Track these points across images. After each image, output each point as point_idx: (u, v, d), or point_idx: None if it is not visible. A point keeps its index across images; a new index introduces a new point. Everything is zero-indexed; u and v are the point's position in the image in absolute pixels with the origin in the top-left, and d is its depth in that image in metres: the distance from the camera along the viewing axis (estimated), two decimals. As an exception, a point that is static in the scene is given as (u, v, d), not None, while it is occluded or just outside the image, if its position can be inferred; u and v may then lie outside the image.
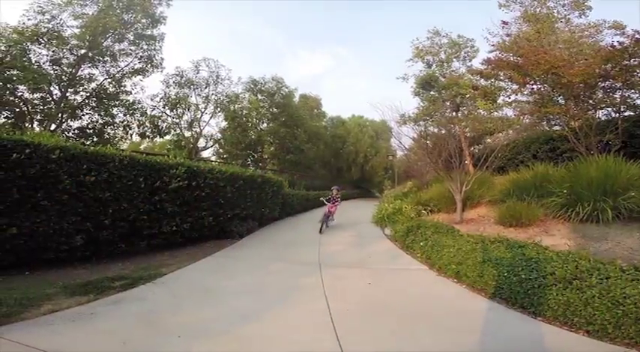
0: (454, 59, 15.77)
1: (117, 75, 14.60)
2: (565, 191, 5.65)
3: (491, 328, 3.12)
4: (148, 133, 15.75)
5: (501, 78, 12.75)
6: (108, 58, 14.06)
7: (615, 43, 9.12)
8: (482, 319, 3.31)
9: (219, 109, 19.07)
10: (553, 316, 3.23)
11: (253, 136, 20.52)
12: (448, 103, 15.30)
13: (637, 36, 8.78)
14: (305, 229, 9.67)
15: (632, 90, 9.41)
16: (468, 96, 14.45)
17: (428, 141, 12.08)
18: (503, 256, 4.29)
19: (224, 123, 19.94)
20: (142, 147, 19.46)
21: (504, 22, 12.68)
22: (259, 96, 21.31)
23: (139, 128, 15.42)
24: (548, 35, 11.20)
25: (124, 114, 14.66)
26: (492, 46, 12.62)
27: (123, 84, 14.87)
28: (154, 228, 5.74)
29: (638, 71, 8.86)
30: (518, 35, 11.94)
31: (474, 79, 14.44)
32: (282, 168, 20.64)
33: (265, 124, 21.75)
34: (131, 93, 15.26)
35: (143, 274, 4.54)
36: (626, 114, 9.05)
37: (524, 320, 3.31)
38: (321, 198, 10.22)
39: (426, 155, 10.49)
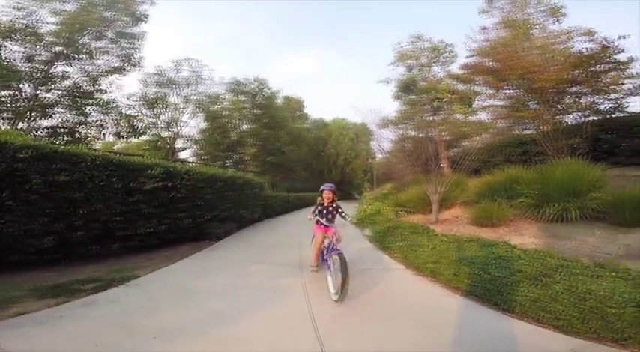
0: (434, 64, 16.16)
1: (93, 73, 14.14)
2: (534, 192, 5.92)
3: (466, 325, 3.20)
4: (123, 133, 15.25)
5: (478, 82, 13.21)
6: (84, 56, 13.61)
7: (583, 50, 9.68)
8: (458, 316, 3.41)
9: (199, 109, 18.75)
10: (523, 312, 3.34)
11: (234, 137, 20.26)
12: (427, 107, 15.61)
13: (604, 43, 9.34)
14: (285, 231, 9.62)
15: (597, 96, 10.00)
16: (445, 100, 14.81)
17: (407, 144, 12.33)
18: (475, 255, 4.45)
19: (204, 124, 19.62)
20: (116, 147, 18.78)
21: (483, 28, 13.14)
22: (241, 97, 21.08)
23: (113, 127, 14.95)
24: (523, 41, 11.60)
25: (99, 113, 14.19)
26: (471, 51, 13.03)
27: (99, 82, 14.42)
28: (128, 230, 5.59)
29: (603, 77, 9.42)
30: (496, 41, 12.35)
31: (451, 83, 14.85)
32: (263, 170, 20.47)
33: (247, 125, 21.53)
34: (107, 92, 14.81)
35: (116, 276, 4.41)
36: (591, 118, 9.59)
37: (496, 316, 3.41)
38: (310, 217, 4.83)
39: (405, 158, 10.73)
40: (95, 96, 14.22)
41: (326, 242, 4.55)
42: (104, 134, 14.79)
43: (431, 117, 15.60)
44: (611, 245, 4.98)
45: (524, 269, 3.66)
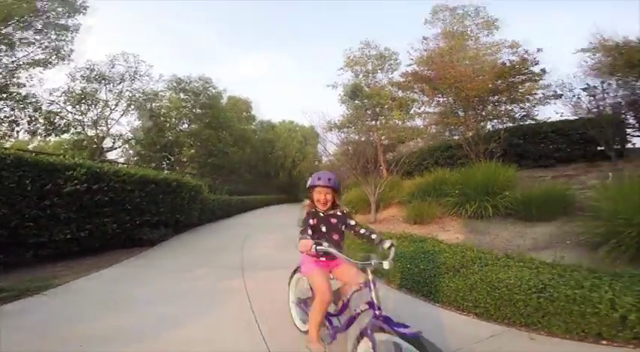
0: (379, 70, 16.66)
1: (10, 65, 12.53)
2: (457, 192, 6.52)
3: (396, 315, 3.40)
4: (40, 131, 13.64)
5: (415, 90, 14.10)
6: (3, 47, 12.00)
7: (506, 61, 10.87)
8: (396, 308, 3.58)
9: (133, 107, 17.38)
10: (447, 301, 3.60)
11: (171, 137, 19.12)
12: (369, 112, 16.23)
13: (525, 55, 10.57)
14: (226, 235, 9.34)
15: (514, 105, 11.30)
16: (386, 106, 15.51)
17: (350, 148, 12.75)
18: (406, 250, 4.75)
19: (138, 122, 18.22)
20: (30, 146, 16.59)
21: (424, 38, 14.10)
22: (182, 96, 20.00)
23: (29, 124, 13.31)
24: (459, 52, 12.59)
25: (12, 109, 12.59)
26: (411, 59, 13.83)
27: (16, 75, 12.80)
28: (42, 237, 5.00)
29: (520, 87, 10.67)
30: (434, 50, 13.27)
31: (393, 90, 15.58)
32: (203, 172, 19.63)
33: (186, 125, 20.48)
34: (25, 85, 13.21)
35: (30, 285, 3.95)
36: (507, 125, 10.82)
37: (426, 306, 3.65)
38: (299, 238, 2.23)
39: (347, 160, 11.08)
40: (10, 90, 12.63)
41: (343, 296, 2.37)
42: (17, 131, 13.15)
43: (372, 122, 16.26)
44: (520, 238, 5.63)
45: (447, 262, 3.99)
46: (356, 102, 16.66)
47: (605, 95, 9.12)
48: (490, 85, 10.21)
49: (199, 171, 19.67)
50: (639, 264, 3.88)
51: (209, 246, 7.66)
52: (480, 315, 3.29)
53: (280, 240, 8.15)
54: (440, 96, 12.10)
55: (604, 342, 2.65)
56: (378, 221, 8.57)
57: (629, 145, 9.18)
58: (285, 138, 35.03)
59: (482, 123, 11.48)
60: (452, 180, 7.07)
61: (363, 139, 13.62)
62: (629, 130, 9.22)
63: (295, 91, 77.40)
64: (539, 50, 10.45)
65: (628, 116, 9.21)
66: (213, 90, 21.39)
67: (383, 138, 15.74)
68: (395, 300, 3.86)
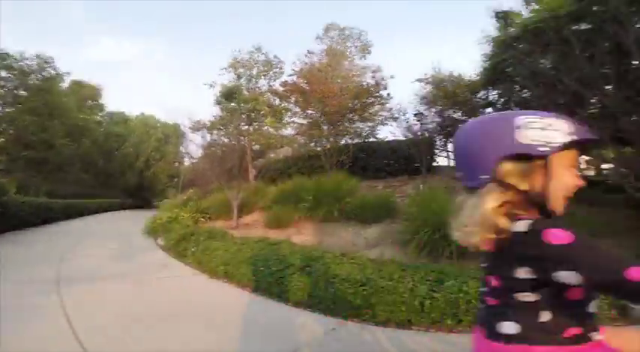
0: (263, 76, 16.70)
1: None
2: (310, 198, 7.24)
3: (253, 317, 3.53)
4: None
5: (291, 100, 14.71)
6: None
7: (364, 83, 12.52)
8: (247, 311, 3.71)
9: None
10: (297, 300, 3.87)
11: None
12: (244, 116, 16.16)
13: (380, 80, 12.33)
14: (40, 243, 7.64)
15: (364, 123, 13.12)
16: (262, 112, 15.73)
17: (217, 150, 12.30)
18: (260, 253, 4.97)
19: None
20: None
21: (310, 52, 14.82)
22: (3, 73, 15.42)
23: None
24: (334, 70, 13.63)
25: None
26: (293, 70, 14.35)
27: None
28: None
29: (370, 108, 12.43)
30: (314, 65, 14.04)
31: (271, 97, 15.87)
32: (13, 168, 15.47)
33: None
34: None
35: None
36: (355, 141, 12.51)
37: (279, 307, 3.86)
38: None
39: (212, 164, 10.68)
40: None
41: None
42: None
43: (246, 127, 16.22)
44: (357, 238, 6.65)
45: (295, 263, 4.37)
46: (232, 104, 16.36)
47: (427, 121, 11.71)
48: (350, 104, 11.62)
49: (5, 166, 15.39)
50: (436, 256, 5.15)
51: (14, 258, 6.28)
52: (324, 310, 3.59)
53: (118, 251, 7.31)
54: (310, 109, 13.00)
55: (414, 328, 3.17)
56: (240, 226, 8.60)
57: (434, 163, 11.97)
58: (140, 133, 30.91)
59: (338, 137, 12.92)
60: (308, 187, 7.75)
61: (233, 143, 13.40)
62: (437, 151, 12.07)
63: (168, 85, 69.28)
64: (392, 77, 12.64)
65: (437, 139, 12.04)
66: (53, 72, 17.55)
67: (254, 143, 15.85)
68: (248, 304, 3.99)
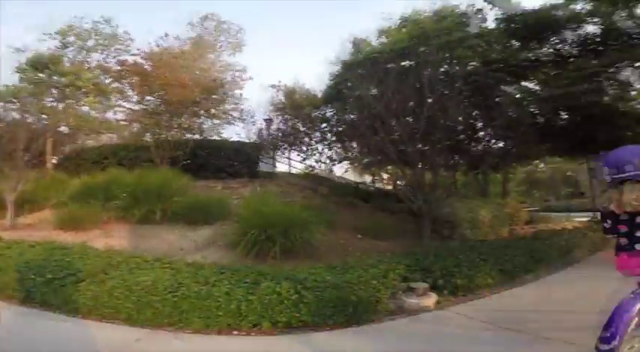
0: (101, 51, 14.14)
1: None
2: (125, 195, 6.14)
3: (22, 335, 2.87)
4: None
5: (126, 82, 12.56)
6: None
7: (220, 79, 11.64)
8: (15, 328, 2.96)
9: None
10: (87, 311, 3.31)
11: None
12: (56, 92, 13.29)
13: (238, 78, 11.71)
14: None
15: (208, 119, 12.33)
16: (84, 90, 13.19)
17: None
18: (34, 259, 3.85)
19: None
20: None
21: (166, 34, 12.74)
22: None
23: None
24: (196, 60, 12.17)
25: None
26: (138, 49, 12.35)
27: None
28: None
29: (220, 106, 11.77)
30: (170, 50, 12.16)
31: (101, 75, 13.64)
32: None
33: None
34: None
35: None
36: (195, 136, 11.59)
37: (60, 319, 3.29)
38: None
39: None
40: None
41: None
42: None
43: (55, 104, 13.45)
44: (185, 241, 6.01)
45: (85, 269, 3.54)
46: (41, 75, 13.22)
47: (274, 127, 12.08)
48: (197, 97, 10.65)
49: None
50: (263, 257, 5.14)
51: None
52: (125, 320, 3.20)
53: None
54: (151, 95, 11.31)
55: (235, 332, 3.07)
56: (20, 227, 6.66)
57: (275, 168, 12.44)
58: None
59: (176, 130, 11.67)
60: (125, 181, 6.56)
61: (29, 121, 10.36)
62: (278, 156, 12.59)
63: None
64: (250, 78, 12.32)
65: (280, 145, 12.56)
66: None
67: (63, 124, 13.24)
68: (16, 319, 3.21)
